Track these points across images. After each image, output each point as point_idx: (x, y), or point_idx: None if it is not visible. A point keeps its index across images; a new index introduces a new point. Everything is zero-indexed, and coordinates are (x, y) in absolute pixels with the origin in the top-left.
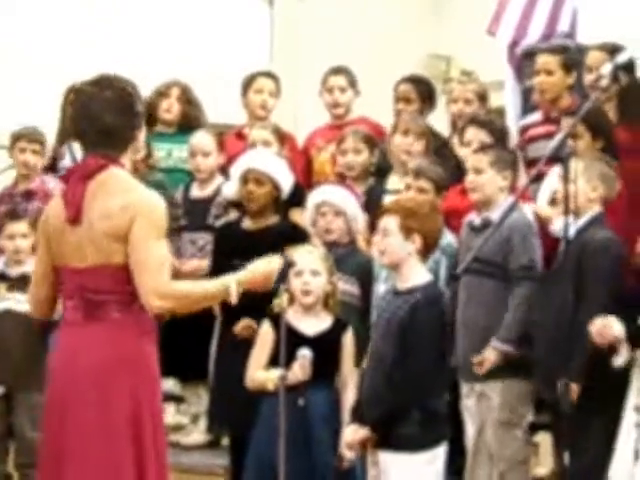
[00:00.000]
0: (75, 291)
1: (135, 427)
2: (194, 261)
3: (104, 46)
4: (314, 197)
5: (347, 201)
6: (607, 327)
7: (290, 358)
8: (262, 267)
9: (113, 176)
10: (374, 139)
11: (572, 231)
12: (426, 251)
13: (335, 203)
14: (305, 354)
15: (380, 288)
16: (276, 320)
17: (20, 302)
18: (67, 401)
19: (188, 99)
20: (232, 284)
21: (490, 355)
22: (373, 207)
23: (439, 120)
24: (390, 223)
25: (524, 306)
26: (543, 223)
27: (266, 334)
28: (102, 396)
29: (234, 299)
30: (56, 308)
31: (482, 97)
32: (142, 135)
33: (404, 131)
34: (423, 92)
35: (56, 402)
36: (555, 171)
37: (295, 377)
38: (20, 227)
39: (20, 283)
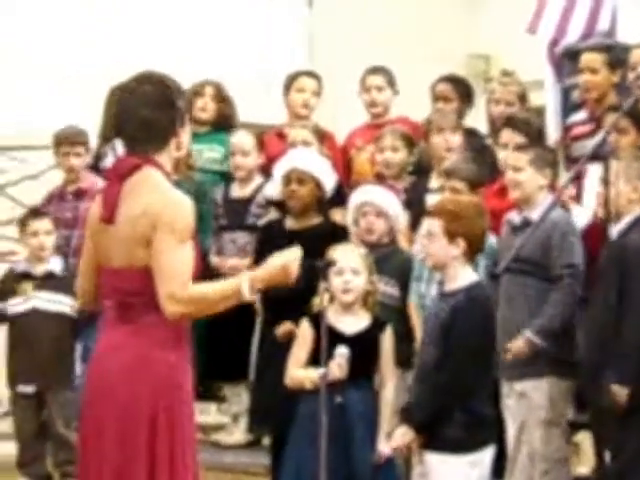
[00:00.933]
0: (110, 291)
1: (152, 430)
2: (234, 259)
3: (104, 46)
4: (356, 197)
5: (389, 202)
6: None
7: (329, 356)
8: (278, 261)
9: (145, 178)
10: (412, 138)
11: (615, 232)
12: (472, 254)
13: (377, 204)
14: (343, 352)
15: (421, 287)
16: (315, 319)
17: (47, 301)
18: (94, 402)
19: (222, 97)
20: (243, 282)
21: (519, 343)
22: (415, 205)
23: (478, 120)
24: (434, 226)
25: (563, 303)
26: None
27: (305, 332)
28: (123, 399)
29: (247, 297)
30: (98, 302)
31: (522, 98)
32: (185, 132)
33: (438, 129)
34: (461, 91)
35: (87, 403)
36: (596, 170)
37: (333, 375)
38: (43, 224)
39: (45, 282)
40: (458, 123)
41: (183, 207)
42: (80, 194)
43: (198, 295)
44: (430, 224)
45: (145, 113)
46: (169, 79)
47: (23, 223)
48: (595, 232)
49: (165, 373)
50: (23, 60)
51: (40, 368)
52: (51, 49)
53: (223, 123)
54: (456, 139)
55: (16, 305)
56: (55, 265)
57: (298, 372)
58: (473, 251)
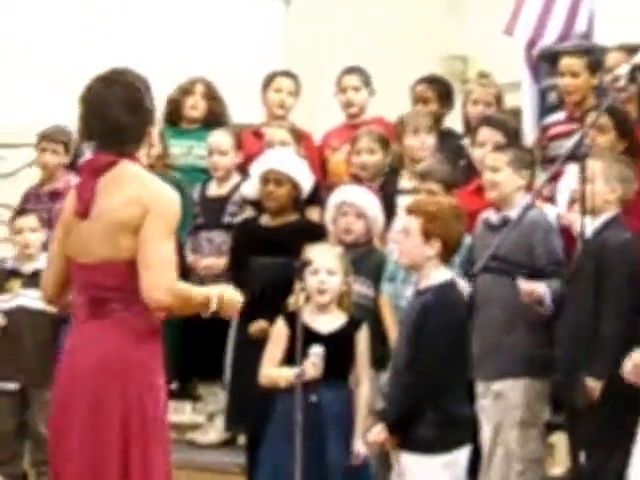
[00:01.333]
0: (82, 287)
1: (124, 428)
2: (210, 259)
3: (104, 46)
4: (337, 196)
5: (370, 203)
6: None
7: (303, 356)
8: (232, 293)
9: (125, 170)
10: (388, 139)
11: (589, 231)
12: (446, 255)
13: (358, 204)
14: (317, 351)
15: (397, 288)
16: (291, 318)
17: (33, 299)
18: (66, 399)
19: (213, 96)
20: (214, 300)
21: (540, 288)
22: (386, 206)
23: (453, 120)
24: (412, 224)
25: (560, 291)
26: (567, 227)
27: (280, 331)
28: (95, 395)
29: (208, 314)
30: (64, 297)
31: (498, 99)
32: (155, 130)
33: (414, 130)
34: (441, 92)
35: (58, 400)
36: (572, 170)
37: (308, 374)
38: (29, 221)
39: (33, 279)
40: (433, 124)
41: (172, 199)
42: (55, 195)
43: (184, 291)
44: (407, 221)
45: (117, 117)
46: (138, 78)
47: (10, 221)
48: (567, 232)
49: (138, 370)
50: (23, 60)
51: (24, 366)
52: (51, 49)
53: (214, 121)
54: (430, 140)
55: (2, 302)
56: (43, 263)
57: (272, 371)
58: (448, 253)
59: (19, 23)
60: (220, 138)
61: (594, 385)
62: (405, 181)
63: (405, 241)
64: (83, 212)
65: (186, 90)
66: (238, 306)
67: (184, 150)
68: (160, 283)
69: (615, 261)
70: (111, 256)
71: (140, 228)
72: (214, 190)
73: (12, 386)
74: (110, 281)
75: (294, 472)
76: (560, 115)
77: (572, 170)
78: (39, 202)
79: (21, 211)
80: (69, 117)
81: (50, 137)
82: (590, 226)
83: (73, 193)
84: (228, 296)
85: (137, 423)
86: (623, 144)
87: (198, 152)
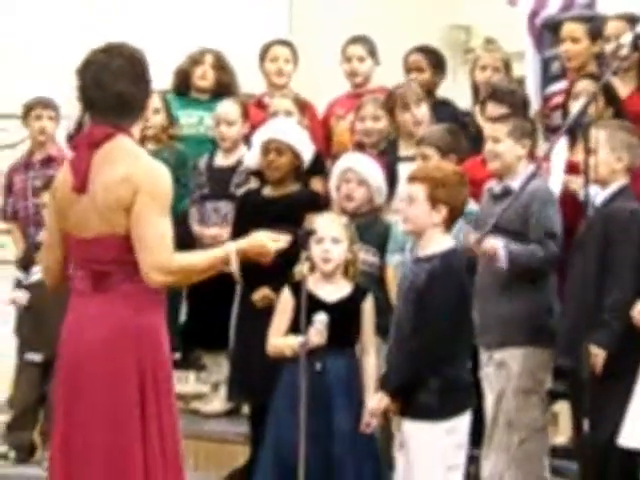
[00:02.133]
0: (82, 261)
1: (141, 399)
2: (215, 228)
3: (117, 21)
4: (340, 164)
5: (372, 171)
6: None
7: (308, 324)
8: (262, 239)
9: (119, 146)
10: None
11: (598, 201)
12: (450, 221)
13: (360, 171)
14: (321, 319)
15: (406, 257)
16: (296, 287)
17: None
18: (75, 372)
19: (222, 66)
20: (232, 253)
21: (491, 243)
22: (388, 174)
23: (457, 91)
24: (417, 191)
25: (540, 257)
26: (573, 194)
27: (286, 301)
28: (108, 368)
29: (234, 267)
30: (66, 276)
31: (507, 66)
32: (153, 104)
33: (403, 105)
34: (433, 61)
35: (66, 373)
36: (562, 141)
37: (312, 342)
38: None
39: None
40: (421, 94)
41: (163, 176)
42: (49, 161)
43: (185, 265)
44: (412, 189)
45: (121, 88)
46: (139, 52)
47: (38, 193)
48: (569, 202)
49: (144, 342)
50: (23, 60)
51: (48, 338)
52: (51, 49)
53: (223, 91)
54: (422, 110)
55: (33, 274)
56: None
57: (278, 340)
58: (452, 219)
59: (19, 23)
60: (227, 108)
61: (598, 353)
62: (404, 149)
63: (410, 208)
64: (80, 186)
65: (196, 60)
66: (267, 249)
67: (195, 120)
68: (155, 263)
69: (622, 231)
70: (107, 231)
71: (132, 206)
72: (221, 160)
73: (38, 357)
74: (110, 255)
75: (299, 441)
76: (562, 84)
77: (562, 141)
78: (31, 170)
79: (46, 186)
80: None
81: (43, 103)
82: (599, 196)
83: (66, 168)
84: (250, 244)
85: (151, 393)
86: (610, 110)
87: (209, 122)
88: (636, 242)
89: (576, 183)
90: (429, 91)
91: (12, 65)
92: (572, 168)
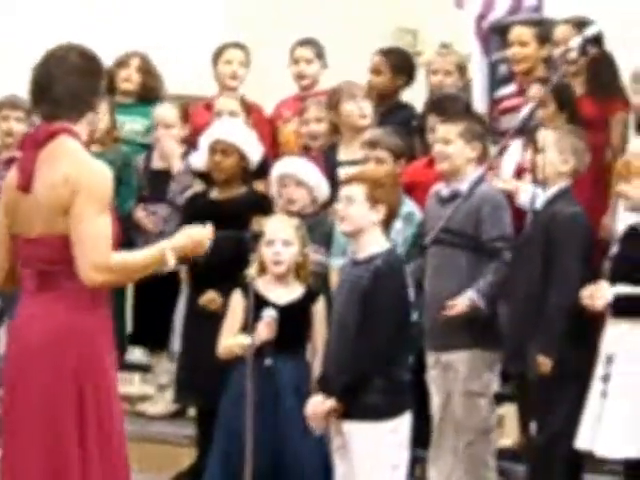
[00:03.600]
0: (28, 261)
1: (79, 398)
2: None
3: (69, 23)
4: (276, 169)
5: (308, 171)
6: (599, 291)
7: (256, 322)
8: (192, 232)
9: (61, 145)
10: None
11: (540, 203)
12: (388, 220)
13: (295, 174)
14: (270, 314)
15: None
16: (247, 289)
17: None
18: (17, 370)
19: (147, 69)
20: (168, 251)
21: (464, 301)
22: (328, 178)
23: (407, 93)
24: (356, 192)
25: (500, 272)
26: (509, 196)
27: (237, 303)
28: (45, 367)
29: (171, 264)
30: (14, 277)
31: (461, 68)
32: (100, 106)
33: (351, 96)
34: (395, 64)
35: (9, 371)
36: (517, 143)
37: (260, 336)
38: None
39: None
40: (367, 94)
41: (102, 175)
42: (12, 163)
43: (121, 264)
44: (351, 190)
45: (72, 80)
46: (94, 52)
47: None
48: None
49: (87, 342)
50: (23, 60)
51: None
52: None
53: (147, 95)
54: (368, 107)
55: None
56: None
57: (228, 340)
58: (389, 219)
59: (19, 23)
60: (165, 111)
61: (544, 362)
62: (344, 154)
63: (349, 208)
64: (25, 186)
65: (121, 63)
66: (202, 244)
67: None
68: (89, 262)
69: (564, 234)
70: (48, 232)
71: (71, 207)
72: (158, 163)
73: None
74: (51, 255)
75: (246, 441)
76: (510, 88)
77: (516, 142)
78: None
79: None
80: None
81: (11, 105)
82: (541, 198)
83: (13, 169)
84: (186, 240)
85: (91, 396)
86: (563, 116)
87: (131, 127)
88: (577, 245)
89: (511, 184)
90: (388, 94)
91: (12, 65)
92: (521, 171)
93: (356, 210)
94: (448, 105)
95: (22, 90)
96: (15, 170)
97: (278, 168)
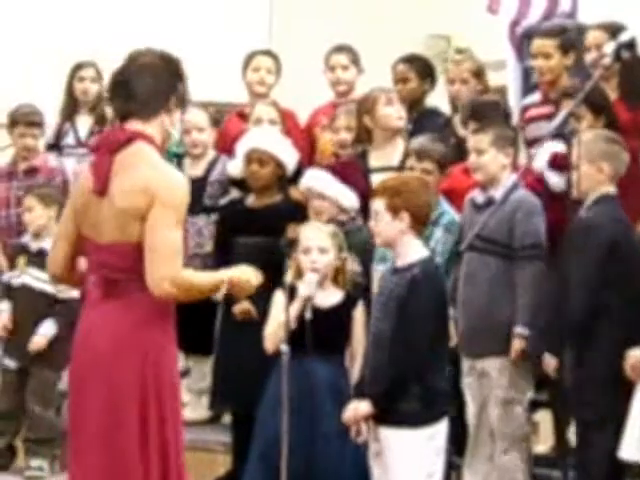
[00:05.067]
0: (96, 266)
1: (142, 409)
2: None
3: (101, 27)
4: (302, 183)
5: (327, 183)
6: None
7: (301, 331)
8: (250, 275)
9: (138, 152)
10: None
11: (582, 212)
12: (418, 226)
13: (315, 187)
14: (312, 275)
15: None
16: (289, 290)
17: (35, 278)
18: (82, 379)
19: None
20: (224, 282)
21: (518, 344)
22: (361, 185)
23: (441, 98)
24: (378, 205)
25: (533, 287)
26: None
27: (279, 301)
28: (112, 376)
29: (221, 295)
30: (72, 276)
31: (478, 74)
32: (177, 111)
33: (388, 101)
34: (420, 70)
35: (74, 380)
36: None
37: (301, 295)
38: (28, 201)
39: (37, 259)
40: (401, 100)
41: (181, 186)
42: (33, 172)
43: (188, 281)
44: (374, 204)
45: (148, 78)
46: (174, 55)
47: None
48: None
49: (153, 350)
50: (22, 41)
51: (23, 345)
52: (50, 30)
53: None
54: (403, 109)
55: (14, 278)
56: (49, 243)
57: (269, 329)
58: (419, 223)
59: (18, 5)
60: (197, 116)
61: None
62: (375, 160)
63: (376, 223)
64: (101, 190)
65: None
66: (250, 287)
67: None
68: (164, 274)
69: (594, 240)
70: (121, 239)
71: (147, 216)
72: (190, 171)
73: (12, 364)
74: (122, 262)
75: (282, 443)
76: (535, 97)
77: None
78: (14, 179)
79: (28, 190)
80: (29, 95)
81: (26, 121)
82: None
83: (87, 171)
84: (240, 278)
85: (154, 404)
86: (600, 123)
87: None
88: (604, 252)
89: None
90: (417, 100)
91: (11, 46)
92: (556, 159)
93: (381, 223)
94: (487, 112)
95: (20, 70)
96: (89, 173)
97: (303, 181)
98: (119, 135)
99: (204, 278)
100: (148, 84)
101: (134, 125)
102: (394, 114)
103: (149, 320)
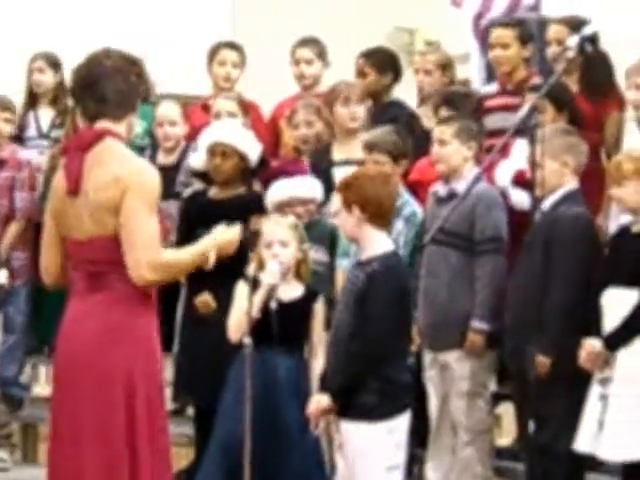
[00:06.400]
0: (78, 262)
1: (129, 396)
2: None
3: (65, 20)
4: (277, 195)
5: (314, 189)
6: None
7: (263, 322)
8: (227, 234)
9: (108, 147)
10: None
11: (546, 205)
12: (376, 219)
13: (303, 196)
14: (274, 263)
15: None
16: (249, 282)
17: None
18: (68, 369)
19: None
20: (211, 251)
21: (475, 338)
22: (323, 180)
23: (407, 92)
24: (335, 201)
25: (493, 282)
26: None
27: (241, 292)
28: (98, 366)
29: (211, 265)
30: (64, 276)
31: (444, 67)
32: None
33: (345, 100)
34: (378, 64)
35: (60, 371)
36: (519, 150)
37: (266, 283)
38: None
39: None
40: (364, 95)
41: (151, 176)
42: (1, 164)
43: (173, 261)
44: (335, 201)
45: (118, 80)
46: (136, 56)
47: None
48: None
49: (138, 339)
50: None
51: None
52: (16, 19)
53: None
54: (361, 110)
55: None
56: None
57: (232, 318)
58: (374, 216)
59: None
60: (169, 109)
61: (543, 361)
62: (338, 153)
63: (338, 218)
64: (73, 189)
65: None
66: (235, 242)
67: None
68: (142, 261)
69: (565, 235)
70: (99, 232)
71: (121, 207)
72: (162, 159)
73: None
74: (102, 255)
75: (245, 435)
76: (493, 87)
77: (518, 151)
78: None
79: None
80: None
81: (2, 105)
82: (547, 200)
83: (60, 171)
84: (224, 240)
85: (141, 394)
86: (563, 117)
87: None
88: (578, 246)
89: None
90: (375, 93)
91: None
92: (520, 178)
93: (340, 218)
94: (459, 100)
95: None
96: (62, 175)
97: (279, 193)
98: (89, 133)
99: (185, 255)
100: (119, 87)
101: (104, 124)
102: (347, 115)
103: (133, 311)
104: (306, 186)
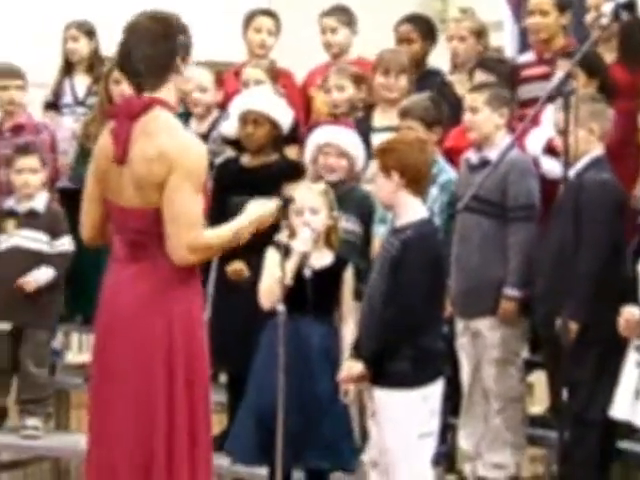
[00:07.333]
0: (119, 228)
1: (169, 363)
2: None
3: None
4: (317, 137)
5: (352, 143)
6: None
7: (295, 289)
8: (264, 209)
9: (156, 118)
10: (361, 75)
11: (572, 172)
12: (412, 186)
13: (339, 144)
14: (307, 230)
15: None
16: (280, 249)
17: (27, 239)
18: (109, 335)
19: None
20: (249, 228)
21: (507, 305)
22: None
23: (440, 59)
24: (373, 166)
25: (524, 249)
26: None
27: (272, 259)
28: (138, 334)
29: (245, 239)
30: (102, 234)
31: (479, 34)
32: (184, 66)
33: (385, 70)
34: (423, 30)
35: (101, 335)
36: (549, 118)
37: (297, 250)
38: (29, 161)
39: (28, 219)
40: (408, 66)
41: (199, 153)
42: (17, 129)
43: (213, 242)
44: (372, 167)
45: (144, 48)
46: (172, 15)
47: (10, 160)
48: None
49: (180, 308)
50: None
51: (17, 306)
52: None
53: None
54: (401, 82)
55: (2, 242)
56: (39, 203)
57: (264, 285)
58: (412, 182)
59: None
60: (200, 75)
61: (572, 326)
62: (379, 120)
63: (375, 184)
64: (120, 158)
65: None
66: (272, 216)
67: None
68: (183, 243)
69: (592, 200)
70: (142, 205)
71: (165, 183)
72: (194, 127)
73: (6, 326)
74: (144, 227)
75: (277, 401)
76: (529, 56)
77: (548, 119)
78: (1, 139)
79: (23, 150)
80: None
81: (9, 74)
82: (574, 168)
83: (107, 136)
84: (261, 217)
85: (182, 364)
86: (593, 84)
87: None
88: (605, 211)
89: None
90: (418, 61)
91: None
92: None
93: (377, 184)
94: (495, 63)
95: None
96: (107, 138)
97: (319, 136)
98: (138, 102)
99: (226, 232)
100: (147, 56)
101: (148, 94)
102: (386, 85)
103: (174, 280)
104: (347, 137)
